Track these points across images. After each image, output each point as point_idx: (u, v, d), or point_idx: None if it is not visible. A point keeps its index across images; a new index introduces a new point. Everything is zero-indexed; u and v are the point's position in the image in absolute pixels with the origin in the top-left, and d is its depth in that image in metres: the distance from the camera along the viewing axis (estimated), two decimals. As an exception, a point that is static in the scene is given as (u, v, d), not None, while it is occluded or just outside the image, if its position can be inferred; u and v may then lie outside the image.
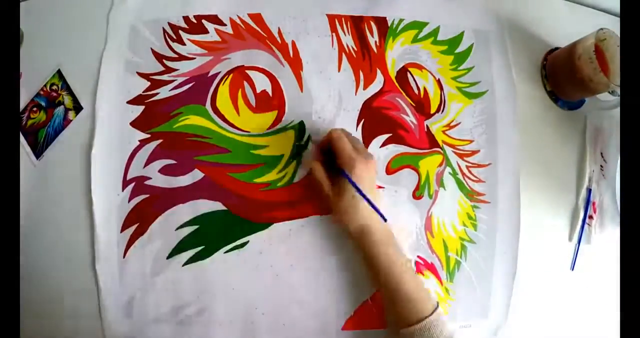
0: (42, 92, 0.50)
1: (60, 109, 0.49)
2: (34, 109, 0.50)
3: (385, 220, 0.40)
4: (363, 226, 0.40)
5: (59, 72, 0.50)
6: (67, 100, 0.49)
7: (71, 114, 0.49)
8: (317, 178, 0.42)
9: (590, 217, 0.55)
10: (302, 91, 0.50)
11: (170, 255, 0.46)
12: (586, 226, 0.55)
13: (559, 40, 0.58)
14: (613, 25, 0.50)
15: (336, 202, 0.40)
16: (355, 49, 0.52)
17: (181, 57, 0.49)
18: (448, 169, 0.51)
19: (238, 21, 0.51)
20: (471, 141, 0.52)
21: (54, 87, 0.50)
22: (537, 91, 0.57)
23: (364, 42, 0.52)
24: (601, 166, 0.56)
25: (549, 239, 0.54)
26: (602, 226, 0.56)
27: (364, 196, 0.38)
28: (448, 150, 0.52)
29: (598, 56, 0.49)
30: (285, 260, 0.47)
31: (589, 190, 0.55)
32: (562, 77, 0.55)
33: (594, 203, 0.55)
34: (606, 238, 0.55)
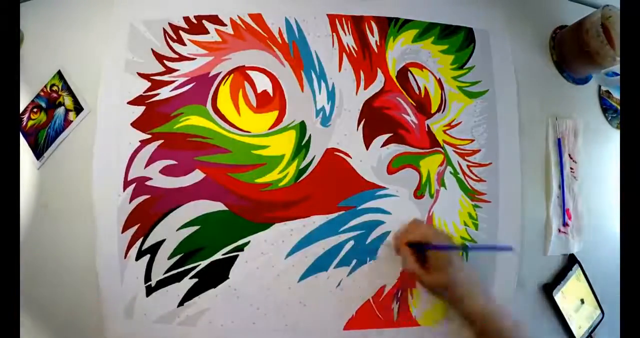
0: (42, 93, 0.50)
1: (61, 109, 0.49)
2: (35, 109, 0.50)
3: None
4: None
5: (59, 72, 0.50)
6: (68, 101, 0.49)
7: (72, 115, 0.49)
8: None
9: (566, 225, 0.53)
10: (302, 91, 0.50)
11: (171, 256, 0.46)
12: (562, 235, 0.53)
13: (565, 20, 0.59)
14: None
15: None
16: (356, 48, 0.52)
17: (182, 58, 0.49)
18: (449, 169, 0.51)
19: (238, 21, 0.51)
20: (472, 140, 0.52)
21: (55, 88, 0.49)
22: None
23: (364, 41, 0.52)
24: (571, 168, 0.55)
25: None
26: (579, 231, 0.54)
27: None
28: (449, 149, 0.52)
29: (605, 32, 0.50)
30: (287, 260, 0.47)
31: (563, 198, 0.53)
32: (569, 51, 0.56)
33: (567, 210, 0.54)
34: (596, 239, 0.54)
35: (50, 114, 0.49)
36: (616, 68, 0.56)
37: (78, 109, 0.49)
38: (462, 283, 0.41)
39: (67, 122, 0.49)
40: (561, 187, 0.54)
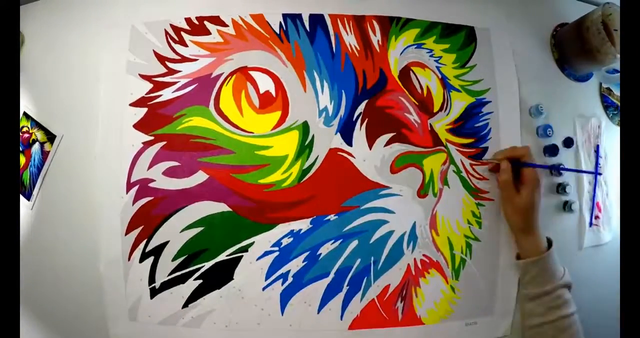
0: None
1: (36, 146, 0.49)
2: None
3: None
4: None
5: (25, 114, 0.49)
6: (40, 135, 0.49)
7: (47, 146, 0.48)
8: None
9: (597, 217, 0.55)
10: (305, 91, 0.50)
11: (175, 257, 0.46)
12: (594, 227, 0.55)
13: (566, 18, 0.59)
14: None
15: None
16: (358, 48, 0.51)
17: (184, 59, 0.49)
18: (452, 167, 0.51)
19: (240, 22, 0.51)
20: (475, 139, 0.53)
21: (25, 129, 0.49)
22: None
23: (366, 41, 0.52)
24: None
25: (556, 237, 0.54)
26: (609, 223, 0.56)
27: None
28: (452, 148, 0.52)
29: (605, 29, 0.50)
30: (291, 261, 0.47)
31: (594, 193, 0.55)
32: (570, 49, 0.56)
33: (597, 203, 0.55)
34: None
35: (28, 154, 0.49)
36: (617, 65, 0.56)
37: (51, 138, 0.48)
38: (536, 211, 0.47)
39: (45, 155, 0.48)
40: (591, 182, 0.56)
